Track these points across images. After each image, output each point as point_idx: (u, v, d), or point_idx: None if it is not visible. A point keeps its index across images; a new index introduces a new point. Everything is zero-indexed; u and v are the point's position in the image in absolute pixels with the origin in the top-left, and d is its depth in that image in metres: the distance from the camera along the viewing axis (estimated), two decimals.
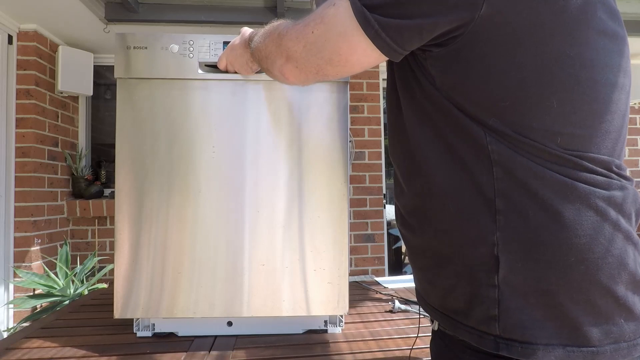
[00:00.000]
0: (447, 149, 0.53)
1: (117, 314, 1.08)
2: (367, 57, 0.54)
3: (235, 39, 0.93)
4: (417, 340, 1.10)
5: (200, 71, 1.09)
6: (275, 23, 0.69)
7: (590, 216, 0.47)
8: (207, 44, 1.08)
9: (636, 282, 0.49)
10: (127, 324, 1.20)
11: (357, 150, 3.19)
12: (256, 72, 0.98)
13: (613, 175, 0.50)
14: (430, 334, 0.66)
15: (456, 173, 0.52)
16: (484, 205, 0.50)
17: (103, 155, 3.18)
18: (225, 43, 1.07)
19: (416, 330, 1.18)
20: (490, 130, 0.49)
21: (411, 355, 1.01)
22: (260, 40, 0.72)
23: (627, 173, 0.52)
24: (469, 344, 0.53)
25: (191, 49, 1.08)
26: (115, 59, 1.09)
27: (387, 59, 0.55)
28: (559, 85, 0.47)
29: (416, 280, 0.64)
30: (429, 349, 0.67)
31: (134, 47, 1.08)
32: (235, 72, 1.00)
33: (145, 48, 1.07)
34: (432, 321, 0.63)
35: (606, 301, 0.47)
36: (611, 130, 0.50)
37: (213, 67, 1.08)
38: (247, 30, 0.88)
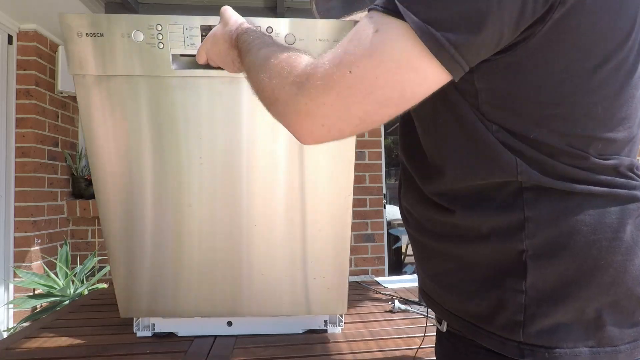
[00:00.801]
0: (473, 162, 0.51)
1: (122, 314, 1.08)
2: (436, 84, 0.44)
3: (216, 28, 0.73)
4: (419, 340, 1.09)
5: (174, 66, 0.87)
6: (277, 49, 0.54)
7: (618, 218, 0.48)
8: (179, 30, 0.84)
9: None
10: (127, 324, 1.20)
11: (357, 150, 3.20)
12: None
13: (635, 176, 0.51)
14: (435, 336, 0.65)
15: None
16: (511, 212, 0.49)
17: None
18: (204, 29, 0.84)
19: (416, 330, 1.18)
20: (526, 147, 0.48)
21: (415, 356, 1.01)
22: (255, 69, 0.56)
23: None
24: (481, 346, 0.52)
25: (160, 36, 0.84)
26: (65, 49, 0.86)
27: None
28: (608, 94, 0.47)
29: (427, 283, 0.62)
30: (430, 350, 0.66)
31: (87, 34, 0.84)
32: (219, 68, 0.78)
33: (101, 35, 0.84)
34: (439, 322, 0.62)
35: (630, 302, 0.48)
36: (634, 134, 0.51)
37: (191, 56, 0.88)
38: (230, 17, 0.71)
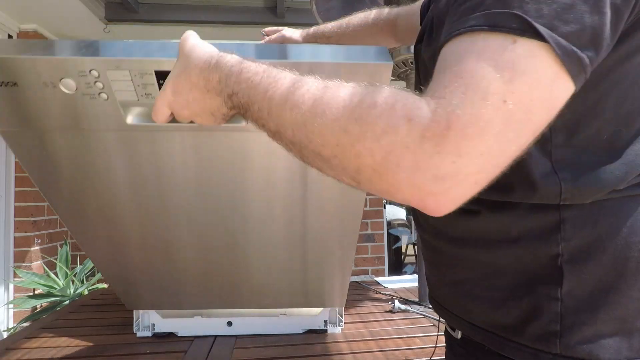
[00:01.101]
0: (507, 182, 0.46)
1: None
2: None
3: (175, 70, 0.51)
4: (419, 340, 1.10)
5: (130, 120, 0.65)
6: (346, 89, 0.38)
7: None
8: (126, 77, 0.61)
9: None
10: (127, 324, 1.20)
11: None
12: (228, 122, 0.52)
13: None
14: (445, 342, 0.62)
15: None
16: (546, 213, 0.46)
17: None
18: (159, 74, 0.61)
19: (416, 330, 1.18)
20: (591, 155, 0.45)
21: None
22: (320, 126, 0.38)
23: None
24: (506, 357, 0.49)
25: (99, 85, 0.62)
26: None
27: None
28: None
29: (441, 292, 0.59)
30: (430, 350, 0.65)
31: None
32: (192, 122, 0.55)
33: (15, 84, 0.61)
34: (452, 329, 0.59)
35: None
36: None
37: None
38: (192, 49, 0.50)
